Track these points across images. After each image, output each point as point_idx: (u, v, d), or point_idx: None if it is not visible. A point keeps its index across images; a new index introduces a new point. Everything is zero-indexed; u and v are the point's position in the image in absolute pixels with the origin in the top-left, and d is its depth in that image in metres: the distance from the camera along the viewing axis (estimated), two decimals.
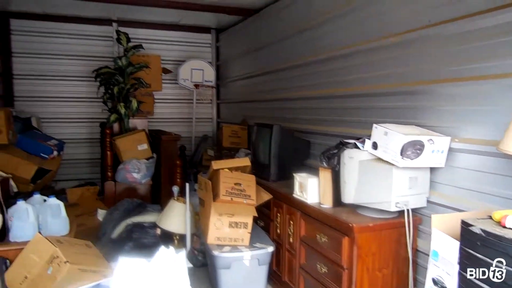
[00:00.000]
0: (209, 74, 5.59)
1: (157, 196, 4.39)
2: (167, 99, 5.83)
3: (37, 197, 2.52)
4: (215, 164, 2.78)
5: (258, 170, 3.27)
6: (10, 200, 2.57)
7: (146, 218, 3.41)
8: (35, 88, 5.21)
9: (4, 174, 3.07)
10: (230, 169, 2.77)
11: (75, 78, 5.31)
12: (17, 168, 3.27)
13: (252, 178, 2.76)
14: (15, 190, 3.14)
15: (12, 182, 3.07)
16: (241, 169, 2.85)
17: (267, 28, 4.26)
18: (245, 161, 2.90)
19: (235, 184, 2.66)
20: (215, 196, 2.64)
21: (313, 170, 2.86)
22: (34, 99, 5.20)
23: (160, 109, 5.67)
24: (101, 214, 3.77)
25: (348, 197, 2.26)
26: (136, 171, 4.10)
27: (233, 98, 5.59)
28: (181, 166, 4.05)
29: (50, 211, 2.45)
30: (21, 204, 2.40)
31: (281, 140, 3.15)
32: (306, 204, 2.52)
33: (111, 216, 3.52)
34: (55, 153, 3.67)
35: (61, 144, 3.93)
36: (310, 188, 2.54)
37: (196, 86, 5.54)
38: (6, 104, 4.96)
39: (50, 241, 2.16)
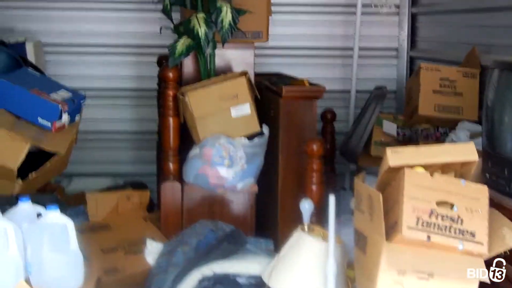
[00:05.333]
0: None
1: (268, 218, 4.56)
2: (297, 4, 6.00)
3: (25, 207, 2.77)
4: (395, 156, 2.80)
5: (499, 173, 3.17)
6: None
7: (243, 266, 3.56)
8: None
9: None
10: (429, 168, 2.78)
11: None
12: None
13: (481, 191, 2.75)
14: None
15: None
16: (456, 170, 2.86)
17: None
18: (467, 152, 2.86)
19: (439, 203, 2.67)
20: (392, 229, 2.67)
21: None
22: (33, 3, 5.77)
23: (282, 28, 5.82)
24: (152, 250, 4.02)
25: None
26: (227, 163, 4.27)
27: (449, 3, 5.55)
28: (323, 156, 4.12)
29: (48, 238, 2.67)
30: None
31: None
32: None
33: (171, 256, 3.73)
34: (65, 118, 3.98)
35: (79, 99, 4.26)
36: None
37: None
38: None
39: None
